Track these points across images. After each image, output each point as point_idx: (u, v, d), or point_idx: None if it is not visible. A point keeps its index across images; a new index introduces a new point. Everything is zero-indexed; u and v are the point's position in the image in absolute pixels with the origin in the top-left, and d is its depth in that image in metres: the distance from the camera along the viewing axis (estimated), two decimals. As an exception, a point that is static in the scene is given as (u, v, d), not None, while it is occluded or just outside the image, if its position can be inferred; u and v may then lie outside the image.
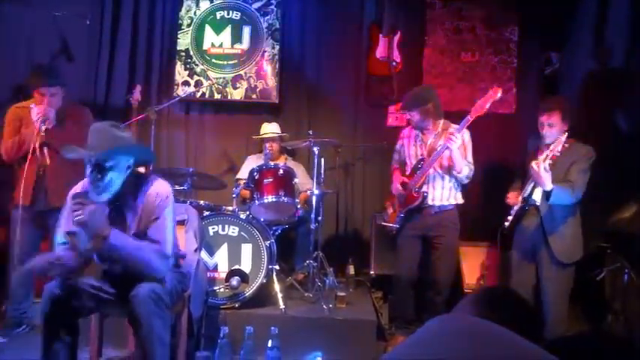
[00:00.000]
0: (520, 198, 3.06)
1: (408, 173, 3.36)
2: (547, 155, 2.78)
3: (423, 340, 0.88)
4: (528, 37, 4.54)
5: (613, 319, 3.17)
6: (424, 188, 3.25)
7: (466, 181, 3.30)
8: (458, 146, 3.12)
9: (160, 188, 2.36)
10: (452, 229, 3.33)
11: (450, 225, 3.32)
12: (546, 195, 2.86)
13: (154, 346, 2.19)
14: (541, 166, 2.76)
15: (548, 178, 2.79)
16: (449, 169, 3.26)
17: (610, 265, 3.21)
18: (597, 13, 3.77)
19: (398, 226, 3.36)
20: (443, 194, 3.28)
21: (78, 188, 2.38)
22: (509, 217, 3.10)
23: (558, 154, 2.82)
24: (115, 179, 2.25)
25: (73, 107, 3.40)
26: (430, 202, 3.26)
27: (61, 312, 2.22)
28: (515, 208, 3.08)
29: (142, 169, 2.64)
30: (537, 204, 2.98)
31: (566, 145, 2.87)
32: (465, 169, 3.21)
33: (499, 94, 3.06)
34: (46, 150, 3.19)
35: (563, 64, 4.28)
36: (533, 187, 2.99)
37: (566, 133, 2.89)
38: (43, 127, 3.12)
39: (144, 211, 2.32)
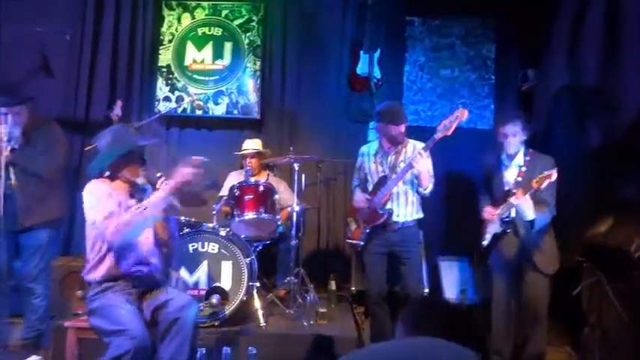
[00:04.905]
0: (496, 218, 3.11)
1: (370, 190, 3.36)
2: (529, 190, 2.86)
3: None
4: (505, 55, 4.64)
5: (589, 332, 3.21)
6: (389, 205, 3.27)
7: (429, 195, 3.33)
8: (425, 164, 3.17)
9: None
10: (416, 244, 3.40)
11: (414, 240, 3.37)
12: (530, 223, 2.95)
13: None
14: (527, 197, 2.85)
15: (530, 209, 2.90)
16: (414, 186, 3.30)
17: (587, 279, 3.25)
18: (572, 33, 3.86)
19: (363, 242, 3.36)
20: (407, 210, 3.29)
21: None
22: (487, 235, 3.15)
23: (525, 169, 3.02)
24: None
25: (41, 123, 3.34)
26: (395, 219, 3.27)
27: None
28: (493, 226, 3.13)
29: None
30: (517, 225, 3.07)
31: (528, 157, 3.09)
32: (430, 185, 3.26)
33: (466, 116, 3.12)
34: (12, 170, 3.11)
35: (539, 80, 4.37)
36: (510, 212, 3.07)
37: (524, 146, 3.09)
38: (9, 147, 3.06)
39: None
